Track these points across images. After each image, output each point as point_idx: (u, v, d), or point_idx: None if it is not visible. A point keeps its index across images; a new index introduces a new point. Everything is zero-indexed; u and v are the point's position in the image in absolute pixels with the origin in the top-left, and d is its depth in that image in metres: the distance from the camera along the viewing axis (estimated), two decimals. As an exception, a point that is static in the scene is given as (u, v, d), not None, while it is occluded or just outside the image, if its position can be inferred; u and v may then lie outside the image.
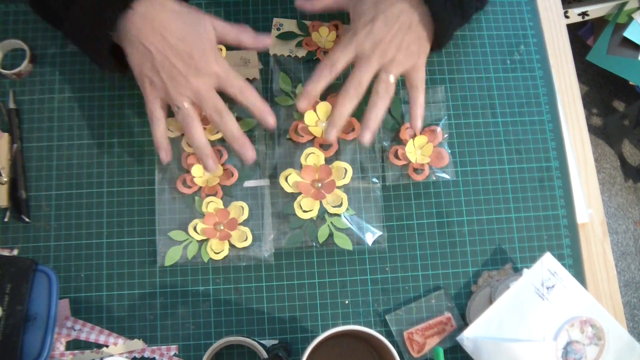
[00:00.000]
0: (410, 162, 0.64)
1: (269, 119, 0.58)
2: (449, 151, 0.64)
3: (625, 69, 1.44)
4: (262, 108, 0.58)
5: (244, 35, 0.60)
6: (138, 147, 0.65)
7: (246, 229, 0.62)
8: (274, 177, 0.64)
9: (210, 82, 0.57)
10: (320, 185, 0.62)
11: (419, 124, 0.61)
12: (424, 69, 0.60)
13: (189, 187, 0.63)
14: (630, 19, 1.44)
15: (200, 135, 0.58)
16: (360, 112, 0.66)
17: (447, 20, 0.58)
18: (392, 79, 0.57)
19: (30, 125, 0.65)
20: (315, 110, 0.64)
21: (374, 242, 0.62)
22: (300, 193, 0.62)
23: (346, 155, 0.64)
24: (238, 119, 0.65)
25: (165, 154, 0.60)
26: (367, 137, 0.58)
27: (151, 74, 0.56)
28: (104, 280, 0.61)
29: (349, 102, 0.57)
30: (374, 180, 0.64)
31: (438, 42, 0.60)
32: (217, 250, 0.61)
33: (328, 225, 0.62)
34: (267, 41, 0.61)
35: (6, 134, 0.63)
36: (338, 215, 0.62)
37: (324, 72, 0.57)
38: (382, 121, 0.60)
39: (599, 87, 1.74)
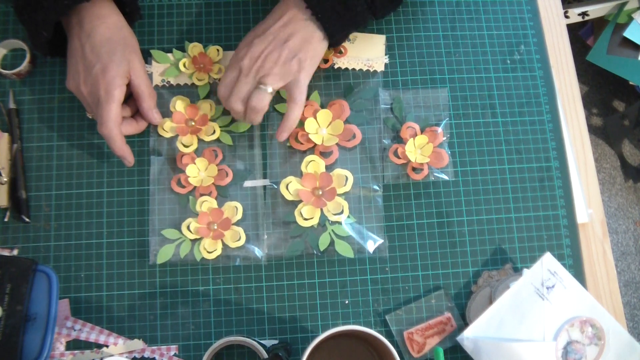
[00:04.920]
0: (409, 161, 0.64)
1: (125, 162, 0.61)
2: (449, 152, 0.64)
3: (625, 69, 1.44)
4: (119, 153, 0.60)
5: (145, 97, 0.61)
6: (138, 147, 0.65)
7: (240, 229, 0.62)
8: (272, 178, 0.64)
9: (96, 94, 0.58)
10: (321, 192, 0.62)
11: (283, 136, 0.61)
12: (305, 84, 0.60)
13: (184, 186, 0.63)
14: (630, 19, 1.44)
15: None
16: (357, 120, 0.66)
17: (339, 35, 0.60)
18: (269, 89, 0.58)
19: (30, 125, 0.65)
20: (315, 118, 0.64)
21: (375, 250, 0.62)
22: (300, 201, 0.62)
23: (347, 162, 0.64)
24: (234, 120, 0.65)
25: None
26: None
27: (70, 74, 0.60)
28: (104, 280, 0.61)
29: (235, 115, 0.61)
30: (375, 187, 0.64)
31: (333, 46, 0.63)
32: (210, 250, 0.61)
33: (329, 233, 0.62)
34: (156, 119, 0.63)
35: (6, 134, 0.63)
36: (339, 223, 0.62)
37: (225, 94, 0.60)
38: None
39: (599, 87, 1.74)
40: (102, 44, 0.58)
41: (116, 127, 0.58)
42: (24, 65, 0.65)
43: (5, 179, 0.62)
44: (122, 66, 0.58)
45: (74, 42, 0.59)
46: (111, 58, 0.58)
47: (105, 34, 0.58)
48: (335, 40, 0.61)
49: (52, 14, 0.56)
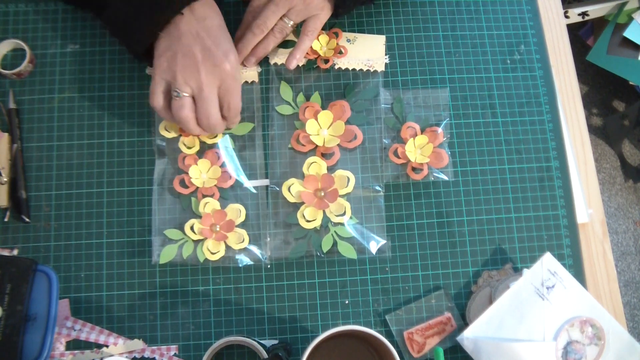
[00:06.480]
0: (409, 161, 0.64)
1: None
2: (449, 152, 0.65)
3: (625, 69, 1.44)
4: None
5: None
6: (138, 147, 0.65)
7: (243, 231, 0.62)
8: (274, 179, 0.64)
9: (216, 82, 0.57)
10: (323, 194, 0.62)
11: (293, 64, 0.65)
12: (322, 22, 0.65)
13: (187, 187, 0.63)
14: (630, 19, 1.44)
15: (190, 121, 0.58)
16: (358, 121, 0.66)
17: None
18: (290, 23, 0.64)
19: (30, 125, 0.65)
20: (316, 119, 0.64)
21: (377, 251, 0.62)
22: (303, 203, 0.62)
23: (347, 163, 0.64)
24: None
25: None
26: (251, 61, 0.66)
27: (171, 54, 0.57)
28: (104, 280, 0.61)
29: (252, 37, 0.64)
30: (377, 188, 0.64)
31: (335, 8, 0.65)
32: (214, 251, 0.61)
33: (332, 234, 0.62)
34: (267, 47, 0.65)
35: (6, 134, 0.63)
36: (342, 224, 0.62)
37: (251, 16, 0.64)
38: (267, 54, 0.67)
39: (599, 87, 1.74)
40: (216, 30, 0.58)
41: None
42: (24, 65, 0.65)
43: (5, 179, 0.62)
44: (234, 51, 0.59)
45: (181, 28, 0.57)
46: (230, 43, 0.59)
47: (217, 21, 0.59)
48: (338, 8, 0.65)
49: (169, 11, 0.56)
